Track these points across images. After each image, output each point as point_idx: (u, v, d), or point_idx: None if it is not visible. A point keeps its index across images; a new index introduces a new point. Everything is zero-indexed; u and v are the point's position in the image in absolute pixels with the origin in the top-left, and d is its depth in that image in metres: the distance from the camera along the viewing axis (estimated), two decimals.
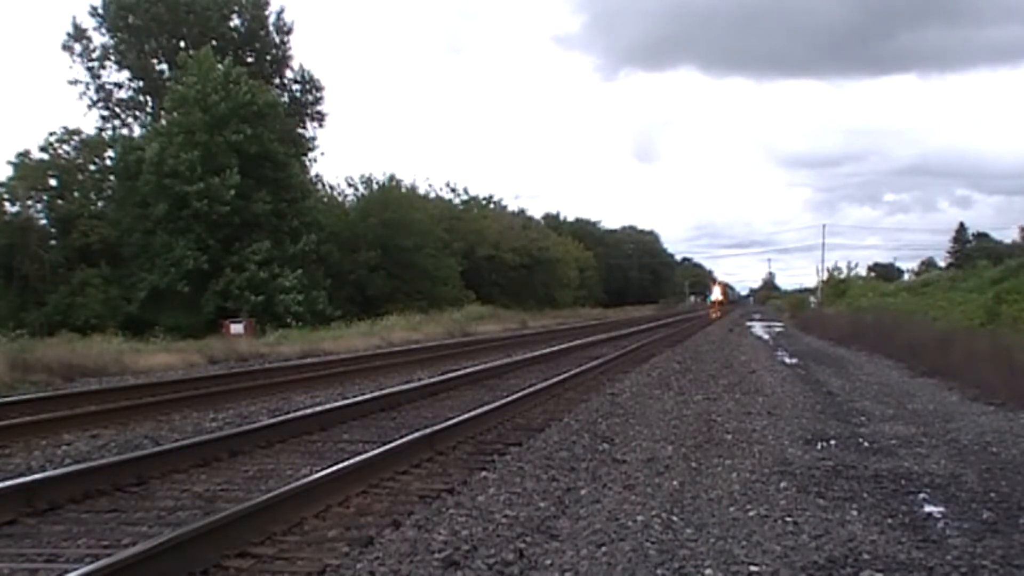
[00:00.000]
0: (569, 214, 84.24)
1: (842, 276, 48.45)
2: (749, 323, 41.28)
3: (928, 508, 5.25)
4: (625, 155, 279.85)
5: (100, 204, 31.37)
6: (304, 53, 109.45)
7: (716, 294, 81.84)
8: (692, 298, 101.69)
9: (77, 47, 36.47)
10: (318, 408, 9.18)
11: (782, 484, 5.77)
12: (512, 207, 61.23)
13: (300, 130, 39.48)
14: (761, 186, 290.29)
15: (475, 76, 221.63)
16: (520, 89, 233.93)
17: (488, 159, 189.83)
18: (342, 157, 72.30)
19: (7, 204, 29.18)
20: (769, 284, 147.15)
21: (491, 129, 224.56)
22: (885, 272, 76.09)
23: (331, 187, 41.63)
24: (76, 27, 36.36)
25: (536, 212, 74.40)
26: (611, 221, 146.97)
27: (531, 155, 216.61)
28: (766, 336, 28.68)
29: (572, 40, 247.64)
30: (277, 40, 39.16)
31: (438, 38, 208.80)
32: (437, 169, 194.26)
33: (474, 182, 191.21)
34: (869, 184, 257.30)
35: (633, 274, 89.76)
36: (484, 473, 6.10)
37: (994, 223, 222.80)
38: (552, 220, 74.81)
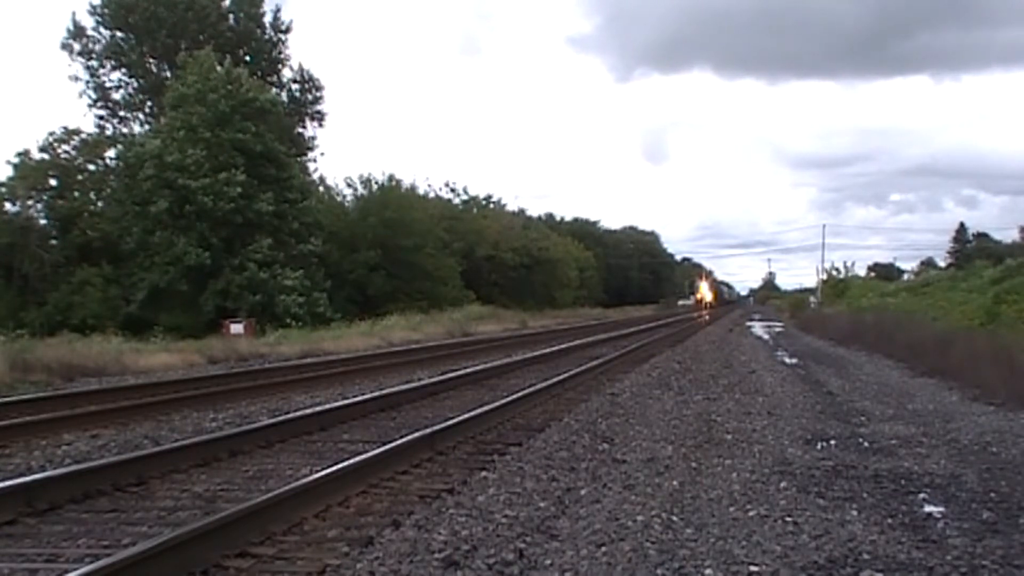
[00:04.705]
0: (575, 215, 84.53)
1: (841, 276, 48.45)
2: (749, 323, 41.26)
3: (928, 508, 5.25)
4: (635, 156, 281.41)
5: (100, 204, 31.37)
6: (308, 53, 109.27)
7: (703, 291, 75.67)
8: (692, 298, 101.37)
9: (76, 46, 36.51)
10: (318, 408, 9.18)
11: (782, 484, 5.76)
12: (512, 207, 61.26)
13: (300, 130, 39.51)
14: (767, 186, 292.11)
15: (488, 77, 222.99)
16: (533, 90, 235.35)
17: (498, 160, 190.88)
18: (344, 157, 72.41)
19: (7, 204, 29.18)
20: (769, 284, 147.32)
21: (502, 130, 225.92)
22: (885, 272, 75.93)
23: (329, 188, 41.67)
24: (76, 25, 36.43)
25: (538, 212, 74.53)
26: (615, 221, 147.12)
27: (542, 156, 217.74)
28: (766, 336, 28.67)
29: (586, 41, 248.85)
30: (274, 39, 39.20)
31: (452, 39, 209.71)
32: (444, 170, 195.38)
33: (483, 183, 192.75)
34: (875, 184, 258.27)
35: (633, 274, 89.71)
36: (484, 473, 6.10)
37: (999, 223, 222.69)
38: (550, 220, 74.80)
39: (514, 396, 9.77)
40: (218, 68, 30.82)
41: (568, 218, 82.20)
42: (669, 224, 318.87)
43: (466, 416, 8.16)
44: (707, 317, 50.62)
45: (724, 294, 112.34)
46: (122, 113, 37.76)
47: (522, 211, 63.86)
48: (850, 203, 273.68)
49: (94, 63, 36.96)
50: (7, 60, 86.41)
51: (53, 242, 29.80)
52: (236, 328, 23.32)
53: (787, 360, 17.52)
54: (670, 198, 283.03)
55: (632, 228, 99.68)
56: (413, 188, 44.22)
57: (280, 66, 39.51)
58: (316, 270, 32.20)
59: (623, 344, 21.30)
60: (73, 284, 28.01)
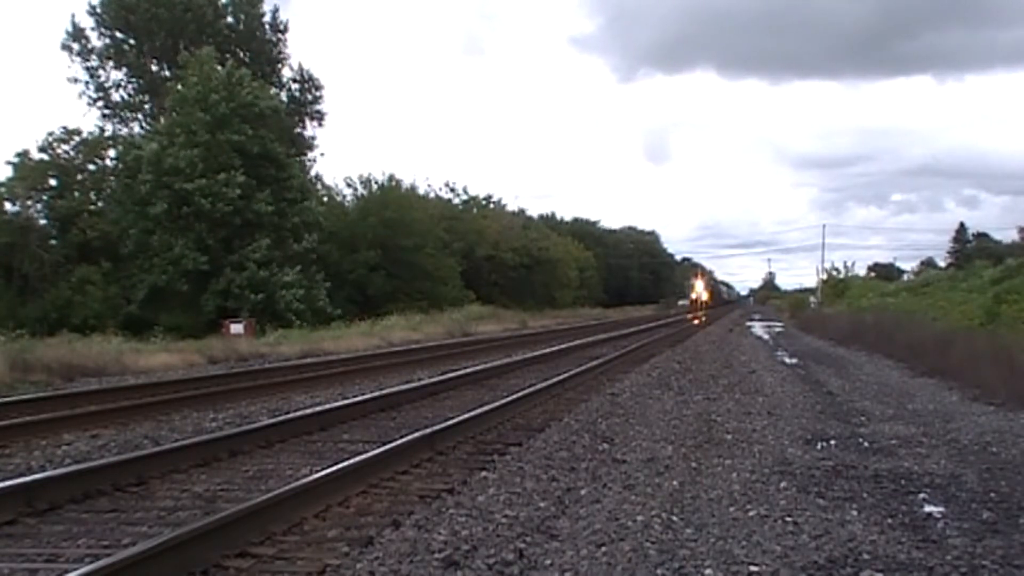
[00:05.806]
0: (575, 215, 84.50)
1: (841, 276, 48.43)
2: (749, 323, 41.25)
3: (928, 508, 5.25)
4: (637, 156, 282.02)
5: (100, 204, 31.38)
6: (308, 53, 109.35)
7: (698, 290, 69.45)
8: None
9: (76, 46, 36.50)
10: (318, 408, 9.18)
11: (782, 484, 5.77)
12: (512, 207, 61.22)
13: (299, 130, 39.49)
14: (768, 186, 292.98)
15: (491, 77, 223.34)
16: (535, 90, 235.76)
17: (498, 160, 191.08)
18: (344, 157, 72.48)
19: (7, 204, 29.18)
20: (769, 284, 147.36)
21: (503, 130, 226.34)
22: (885, 272, 75.85)
23: (329, 187, 41.65)
24: (75, 26, 36.41)
25: (538, 212, 74.47)
26: (615, 221, 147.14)
27: (543, 156, 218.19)
28: (766, 336, 28.67)
29: (589, 41, 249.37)
30: (273, 39, 39.20)
31: (454, 39, 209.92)
32: (444, 170, 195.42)
33: (483, 183, 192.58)
34: (877, 184, 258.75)
35: (633, 274, 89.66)
36: (484, 473, 6.10)
37: (999, 223, 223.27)
38: (550, 220, 74.75)
39: (514, 396, 9.77)
40: (219, 68, 30.80)
41: (568, 218, 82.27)
42: (669, 224, 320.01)
43: (466, 416, 8.16)
44: (704, 318, 49.21)
45: (723, 294, 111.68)
46: (122, 113, 37.76)
47: (522, 211, 63.87)
48: (851, 203, 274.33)
49: (94, 64, 36.94)
50: (7, 60, 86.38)
51: (53, 242, 29.81)
52: (236, 328, 23.30)
53: (787, 360, 17.52)
54: (671, 198, 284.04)
55: (632, 228, 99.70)
56: (413, 188, 44.29)
57: (280, 66, 39.55)
58: (316, 271, 32.21)
59: (623, 344, 21.30)
60: (73, 282, 28.01)
